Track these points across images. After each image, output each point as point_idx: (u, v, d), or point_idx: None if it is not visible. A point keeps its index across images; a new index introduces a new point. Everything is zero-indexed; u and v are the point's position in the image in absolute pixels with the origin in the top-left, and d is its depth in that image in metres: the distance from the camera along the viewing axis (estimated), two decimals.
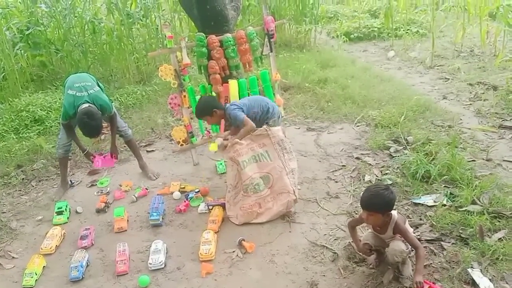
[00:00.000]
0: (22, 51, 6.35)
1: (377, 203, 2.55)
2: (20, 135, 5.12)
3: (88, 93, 3.71)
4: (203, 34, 4.18)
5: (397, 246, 2.63)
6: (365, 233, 2.91)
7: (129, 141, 4.31)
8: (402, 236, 2.64)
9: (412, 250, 2.70)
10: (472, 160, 3.99)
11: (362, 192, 2.70)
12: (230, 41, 4.22)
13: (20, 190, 4.23)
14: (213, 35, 4.18)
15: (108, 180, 4.26)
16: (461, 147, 4.23)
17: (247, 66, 4.43)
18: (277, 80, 4.67)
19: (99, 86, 3.94)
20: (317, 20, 8.86)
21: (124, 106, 5.99)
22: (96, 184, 4.25)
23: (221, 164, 4.30)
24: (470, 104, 5.44)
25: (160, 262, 3.00)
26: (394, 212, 2.67)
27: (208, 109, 3.75)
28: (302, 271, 2.89)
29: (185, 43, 4.21)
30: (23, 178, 4.40)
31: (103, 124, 3.84)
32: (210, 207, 3.61)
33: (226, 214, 3.53)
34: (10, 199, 4.09)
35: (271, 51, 4.58)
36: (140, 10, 7.08)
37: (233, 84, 4.31)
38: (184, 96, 4.26)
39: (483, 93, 5.67)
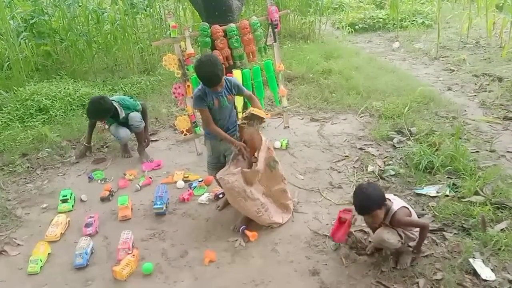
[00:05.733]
0: (27, 41, 6.35)
1: (372, 202, 2.58)
2: (25, 124, 5.14)
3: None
4: (207, 24, 4.17)
5: (378, 235, 2.67)
6: None
7: (138, 133, 4.46)
8: (401, 225, 2.67)
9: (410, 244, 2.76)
10: (476, 151, 3.98)
11: (354, 201, 2.69)
12: (234, 31, 4.22)
13: (25, 178, 4.26)
14: (217, 25, 4.17)
15: (103, 173, 4.26)
16: (465, 138, 4.22)
17: (250, 56, 4.43)
18: (280, 70, 4.66)
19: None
20: (322, 10, 8.80)
21: (129, 96, 5.99)
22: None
23: None
24: (475, 95, 5.42)
25: None
26: (395, 205, 2.66)
27: (221, 65, 3.10)
28: (304, 260, 2.91)
29: (188, 32, 4.20)
30: (28, 167, 4.43)
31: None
32: (220, 196, 3.65)
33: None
34: (16, 187, 4.12)
35: (275, 41, 4.57)
36: (144, 0, 7.05)
37: (236, 74, 4.31)
38: (188, 86, 4.27)
39: (488, 85, 5.63)
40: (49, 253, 3.13)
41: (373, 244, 2.82)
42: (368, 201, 2.57)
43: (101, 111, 4.23)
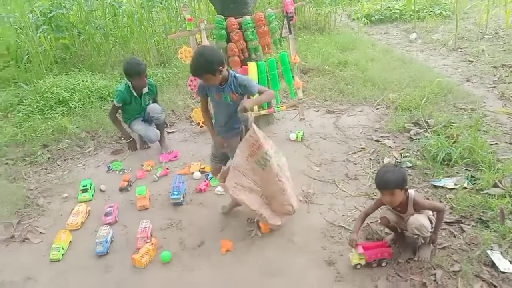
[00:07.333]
0: (46, 34, 6.45)
1: (395, 179, 2.58)
2: (45, 116, 5.24)
3: None
4: (222, 17, 4.18)
5: (417, 220, 2.66)
6: (381, 210, 2.91)
7: (159, 124, 4.50)
8: (424, 208, 2.70)
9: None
10: (495, 143, 3.93)
11: (375, 178, 2.70)
12: (249, 23, 4.22)
13: (47, 169, 4.36)
14: (232, 17, 4.18)
15: (121, 164, 4.32)
16: (483, 130, 4.17)
17: (266, 48, 4.43)
18: (296, 62, 4.66)
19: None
20: (338, 2, 8.72)
21: None
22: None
23: None
24: (494, 87, 5.33)
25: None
26: (411, 190, 2.70)
27: (215, 63, 2.75)
28: (319, 250, 2.93)
29: (204, 25, 4.23)
30: (49, 157, 4.52)
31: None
32: None
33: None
34: (37, 177, 4.22)
35: (290, 33, 4.56)
36: None
37: (252, 66, 4.32)
38: None
39: (508, 76, 5.53)
40: (70, 241, 3.22)
41: (408, 232, 2.76)
42: (392, 176, 2.59)
43: (137, 65, 4.19)
